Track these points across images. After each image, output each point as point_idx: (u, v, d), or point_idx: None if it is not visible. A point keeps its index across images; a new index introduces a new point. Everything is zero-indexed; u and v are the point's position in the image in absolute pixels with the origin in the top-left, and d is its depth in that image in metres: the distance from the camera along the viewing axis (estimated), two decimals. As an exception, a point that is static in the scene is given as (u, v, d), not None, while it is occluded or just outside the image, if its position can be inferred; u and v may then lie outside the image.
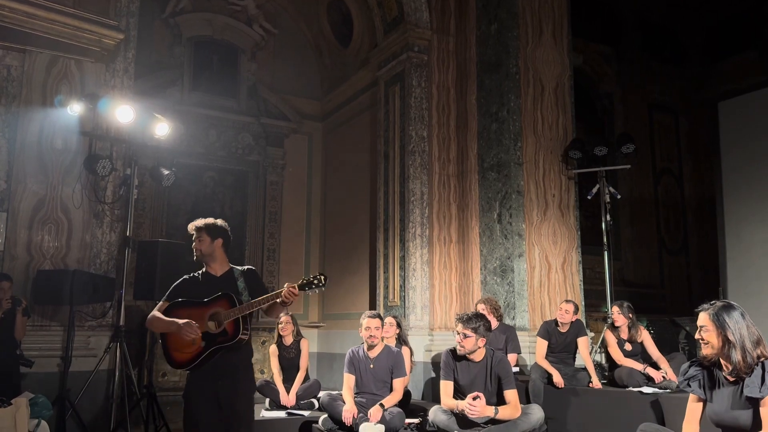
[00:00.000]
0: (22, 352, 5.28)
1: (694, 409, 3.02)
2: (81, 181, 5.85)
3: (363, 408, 4.54)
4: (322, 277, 3.27)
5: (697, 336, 2.91)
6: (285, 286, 3.28)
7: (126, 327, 5.51)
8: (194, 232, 3.60)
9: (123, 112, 5.45)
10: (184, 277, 3.63)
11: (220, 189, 9.50)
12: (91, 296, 5.56)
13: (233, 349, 3.38)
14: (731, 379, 2.85)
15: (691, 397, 3.04)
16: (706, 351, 2.88)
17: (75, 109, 5.48)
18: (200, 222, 3.62)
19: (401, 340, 5.85)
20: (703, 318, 2.88)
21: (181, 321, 3.34)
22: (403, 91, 8.11)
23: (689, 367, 3.04)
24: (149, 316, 3.49)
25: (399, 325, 5.94)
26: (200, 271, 3.62)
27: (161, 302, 3.55)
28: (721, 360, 2.87)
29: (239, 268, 3.61)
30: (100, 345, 5.68)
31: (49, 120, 5.83)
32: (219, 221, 3.66)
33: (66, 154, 5.91)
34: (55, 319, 5.66)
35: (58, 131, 5.87)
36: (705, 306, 2.92)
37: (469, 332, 4.18)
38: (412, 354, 5.93)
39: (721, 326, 2.80)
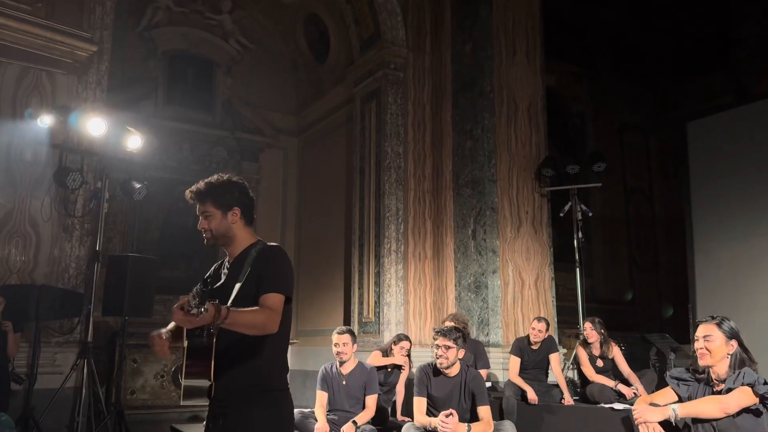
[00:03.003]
0: (14, 369, 5.20)
1: (667, 395, 3.11)
2: (50, 195, 5.76)
3: (335, 426, 4.49)
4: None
5: (697, 345, 3.01)
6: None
7: (94, 343, 5.40)
8: (197, 204, 2.48)
9: (95, 125, 5.38)
10: (217, 263, 2.60)
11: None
12: (58, 312, 5.46)
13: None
14: (718, 389, 2.96)
15: (670, 390, 3.13)
16: (705, 362, 2.97)
17: (45, 121, 5.40)
18: (202, 185, 2.45)
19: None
20: (709, 328, 3.00)
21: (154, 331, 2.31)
22: (379, 107, 8.15)
23: (685, 372, 3.15)
24: None
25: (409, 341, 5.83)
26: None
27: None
28: (714, 369, 2.97)
29: (261, 246, 2.40)
30: (67, 362, 5.57)
31: (18, 132, 5.74)
32: (233, 177, 2.48)
33: (35, 167, 5.82)
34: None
35: (27, 143, 5.79)
36: (707, 318, 3.06)
37: (450, 343, 4.20)
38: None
39: (730, 334, 2.96)
